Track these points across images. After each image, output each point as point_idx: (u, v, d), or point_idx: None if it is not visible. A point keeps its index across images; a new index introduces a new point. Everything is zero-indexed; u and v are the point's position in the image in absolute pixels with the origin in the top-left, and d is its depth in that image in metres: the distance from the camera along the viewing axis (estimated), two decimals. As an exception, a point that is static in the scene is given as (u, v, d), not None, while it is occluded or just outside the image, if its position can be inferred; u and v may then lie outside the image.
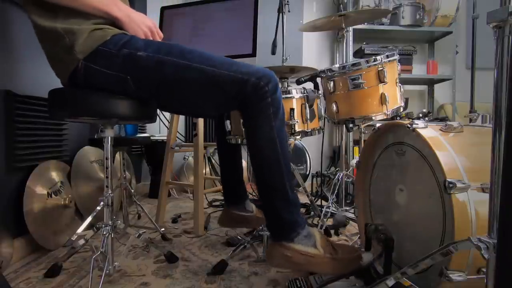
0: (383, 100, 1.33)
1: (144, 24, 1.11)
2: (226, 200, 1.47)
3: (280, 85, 1.07)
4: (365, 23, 2.84)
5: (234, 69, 1.01)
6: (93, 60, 1.00)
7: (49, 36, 1.00)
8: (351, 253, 1.07)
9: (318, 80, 1.49)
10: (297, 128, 1.37)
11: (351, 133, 2.75)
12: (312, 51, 3.28)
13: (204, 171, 2.18)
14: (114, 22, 1.06)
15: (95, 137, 2.00)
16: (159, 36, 1.16)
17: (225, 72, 1.01)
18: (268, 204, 1.06)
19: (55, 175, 1.56)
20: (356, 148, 2.85)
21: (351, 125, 1.38)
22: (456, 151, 0.90)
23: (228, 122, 1.41)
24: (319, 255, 1.02)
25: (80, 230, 1.41)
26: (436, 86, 3.22)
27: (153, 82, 1.04)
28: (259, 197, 1.08)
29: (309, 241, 1.03)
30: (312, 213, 2.12)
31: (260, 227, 1.51)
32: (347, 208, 2.18)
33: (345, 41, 2.75)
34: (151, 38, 1.12)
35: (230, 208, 1.43)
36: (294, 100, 1.37)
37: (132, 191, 1.80)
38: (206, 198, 2.45)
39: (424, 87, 3.30)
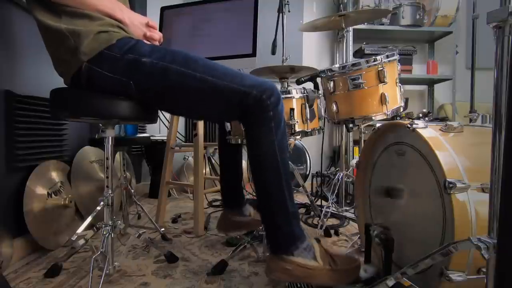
0: (383, 100, 1.33)
1: (142, 24, 1.12)
2: (224, 204, 1.47)
3: (281, 96, 1.05)
4: (365, 23, 2.84)
5: (237, 81, 1.00)
6: (97, 63, 0.99)
7: (53, 36, 0.99)
8: (350, 263, 1.06)
9: (318, 80, 1.49)
10: (297, 128, 1.37)
11: (351, 133, 2.75)
12: (312, 51, 3.28)
13: (204, 171, 2.17)
14: (119, 24, 1.06)
15: (95, 137, 2.00)
16: (154, 27, 1.17)
17: (228, 83, 1.00)
18: (267, 217, 1.05)
19: (55, 175, 1.56)
20: (356, 148, 2.85)
21: (351, 125, 1.38)
22: (456, 151, 0.90)
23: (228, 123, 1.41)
24: (318, 267, 1.00)
25: (80, 230, 1.41)
26: (436, 86, 3.22)
27: (156, 88, 1.03)
28: (258, 209, 1.06)
29: (308, 253, 1.01)
30: (312, 213, 2.12)
31: (260, 227, 1.51)
32: (347, 208, 2.19)
33: (345, 41, 2.76)
34: (150, 36, 1.13)
35: (228, 213, 1.42)
36: (294, 100, 1.37)
37: (132, 191, 1.79)
38: (206, 198, 2.45)
39: (424, 87, 3.30)
